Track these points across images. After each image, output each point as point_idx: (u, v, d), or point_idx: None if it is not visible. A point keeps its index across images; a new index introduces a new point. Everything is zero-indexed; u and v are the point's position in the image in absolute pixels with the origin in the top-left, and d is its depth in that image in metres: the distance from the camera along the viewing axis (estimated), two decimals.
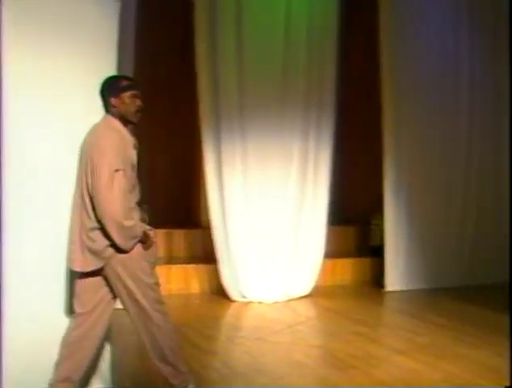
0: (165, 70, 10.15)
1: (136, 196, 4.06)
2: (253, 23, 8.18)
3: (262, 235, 8.33)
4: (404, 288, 8.99)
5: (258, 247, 8.33)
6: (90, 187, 3.85)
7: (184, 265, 8.82)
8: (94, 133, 3.96)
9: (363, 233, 10.18)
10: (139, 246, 3.98)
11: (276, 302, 8.27)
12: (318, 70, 8.52)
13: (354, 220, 10.29)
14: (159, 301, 4.12)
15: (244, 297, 8.31)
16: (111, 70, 4.37)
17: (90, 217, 3.88)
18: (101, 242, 3.89)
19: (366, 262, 9.68)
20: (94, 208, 3.85)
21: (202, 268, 8.74)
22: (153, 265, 4.14)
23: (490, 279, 9.31)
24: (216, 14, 8.05)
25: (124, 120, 4.01)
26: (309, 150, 8.53)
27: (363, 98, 10.37)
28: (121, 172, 3.83)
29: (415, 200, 9.17)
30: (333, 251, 9.55)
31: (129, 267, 3.96)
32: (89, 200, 3.87)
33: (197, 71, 8.08)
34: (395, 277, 8.99)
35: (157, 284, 4.14)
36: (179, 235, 9.49)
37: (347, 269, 9.59)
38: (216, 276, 8.42)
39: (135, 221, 3.93)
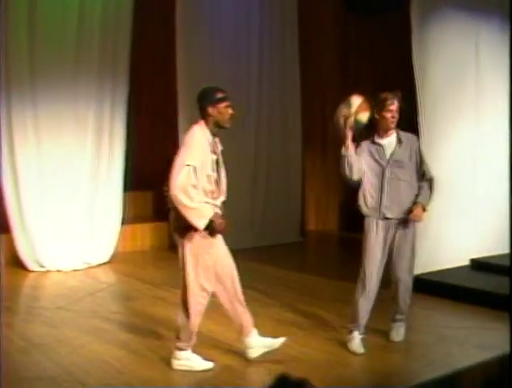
0: None
1: (218, 195, 4.82)
2: None
3: (57, 203, 8.14)
4: None
5: (53, 215, 8.13)
6: None
7: None
8: (188, 132, 4.61)
9: (160, 197, 10.23)
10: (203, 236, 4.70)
11: (75, 270, 8.16)
12: (112, 41, 8.41)
13: (150, 185, 10.31)
14: (202, 288, 4.73)
15: (41, 266, 8.10)
16: None
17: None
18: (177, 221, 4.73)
19: (164, 226, 9.73)
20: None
21: None
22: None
23: (280, 240, 9.79)
24: None
25: (218, 126, 4.64)
26: (104, 118, 8.44)
27: (159, 67, 10.36)
28: (191, 168, 4.46)
29: None
30: (132, 217, 9.56)
31: (190, 249, 4.78)
32: None
33: None
34: None
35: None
36: None
37: (147, 234, 9.63)
38: (10, 246, 8.11)
39: (200, 204, 4.55)
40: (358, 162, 5.13)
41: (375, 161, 5.19)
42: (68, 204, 8.23)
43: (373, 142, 5.22)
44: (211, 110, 4.57)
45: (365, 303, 5.19)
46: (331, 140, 10.95)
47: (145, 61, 10.06)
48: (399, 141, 5.19)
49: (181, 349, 4.77)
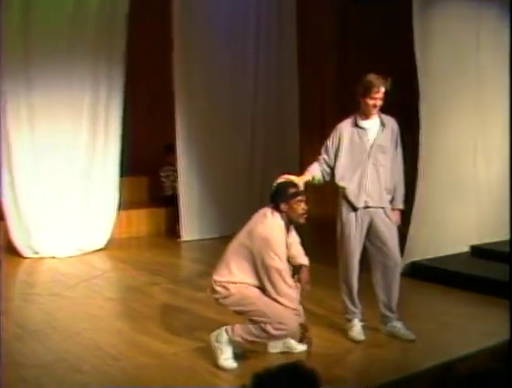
0: None
1: None
2: None
3: (52, 189, 8.12)
4: (199, 237, 9.20)
5: (48, 201, 8.11)
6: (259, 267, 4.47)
7: None
8: (265, 224, 4.52)
9: (155, 183, 10.24)
10: None
11: (70, 257, 8.15)
12: (108, 25, 8.34)
13: (146, 170, 10.30)
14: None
15: (36, 252, 8.09)
16: None
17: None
18: None
19: (161, 212, 9.78)
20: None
21: None
22: None
23: None
24: None
25: (291, 221, 4.61)
26: (100, 104, 8.40)
27: (155, 53, 10.30)
28: (286, 270, 4.48)
29: (206, 151, 9.35)
30: (128, 203, 9.54)
31: None
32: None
33: None
34: (190, 227, 9.17)
35: None
36: None
37: (142, 220, 9.62)
38: (4, 233, 8.09)
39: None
40: (322, 168, 5.11)
41: (357, 145, 5.04)
42: (63, 190, 8.21)
43: (355, 125, 5.07)
44: (283, 206, 4.56)
45: (354, 291, 5.18)
46: (330, 129, 10.93)
47: (141, 45, 10.02)
48: (382, 124, 5.05)
49: None
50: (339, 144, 5.10)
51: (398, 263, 5.20)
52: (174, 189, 9.42)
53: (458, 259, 7.10)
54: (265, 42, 9.87)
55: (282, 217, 4.58)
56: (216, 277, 4.57)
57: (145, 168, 10.17)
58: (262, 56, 9.87)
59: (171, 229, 9.48)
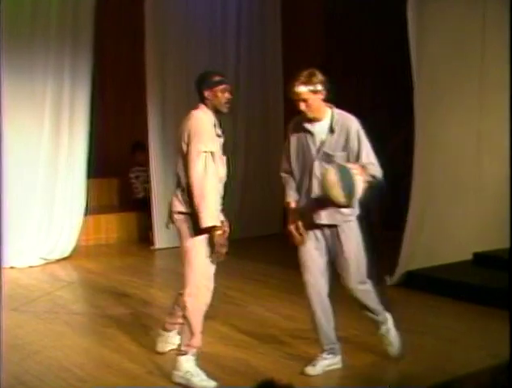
0: None
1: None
2: None
3: (11, 192, 8.01)
4: (174, 244, 9.11)
5: (6, 206, 8.00)
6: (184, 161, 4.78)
7: None
8: (191, 117, 4.74)
9: (126, 185, 10.18)
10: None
11: (31, 267, 8.08)
12: (73, 15, 8.33)
13: (116, 171, 10.23)
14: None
15: None
16: None
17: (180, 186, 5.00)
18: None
19: (132, 217, 9.71)
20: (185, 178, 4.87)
21: None
22: None
23: (259, 232, 9.72)
24: None
25: (216, 110, 4.77)
26: (64, 96, 8.36)
27: (124, 46, 10.25)
28: (208, 154, 4.64)
29: None
30: (96, 207, 9.49)
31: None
32: (182, 170, 4.88)
33: None
34: (163, 233, 9.09)
35: None
36: None
37: (112, 226, 9.56)
38: None
39: (214, 205, 4.72)
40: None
41: (304, 151, 4.72)
42: (23, 192, 8.13)
43: (302, 126, 4.73)
44: (207, 93, 4.76)
45: (323, 314, 4.85)
46: None
47: (110, 37, 9.95)
48: (331, 129, 4.64)
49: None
50: (290, 148, 4.83)
51: (356, 288, 4.84)
52: (146, 191, 9.35)
53: (459, 268, 7.08)
54: (246, 35, 9.85)
55: (207, 107, 4.75)
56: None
57: (115, 169, 10.10)
58: (244, 53, 9.84)
59: (143, 235, 9.41)
